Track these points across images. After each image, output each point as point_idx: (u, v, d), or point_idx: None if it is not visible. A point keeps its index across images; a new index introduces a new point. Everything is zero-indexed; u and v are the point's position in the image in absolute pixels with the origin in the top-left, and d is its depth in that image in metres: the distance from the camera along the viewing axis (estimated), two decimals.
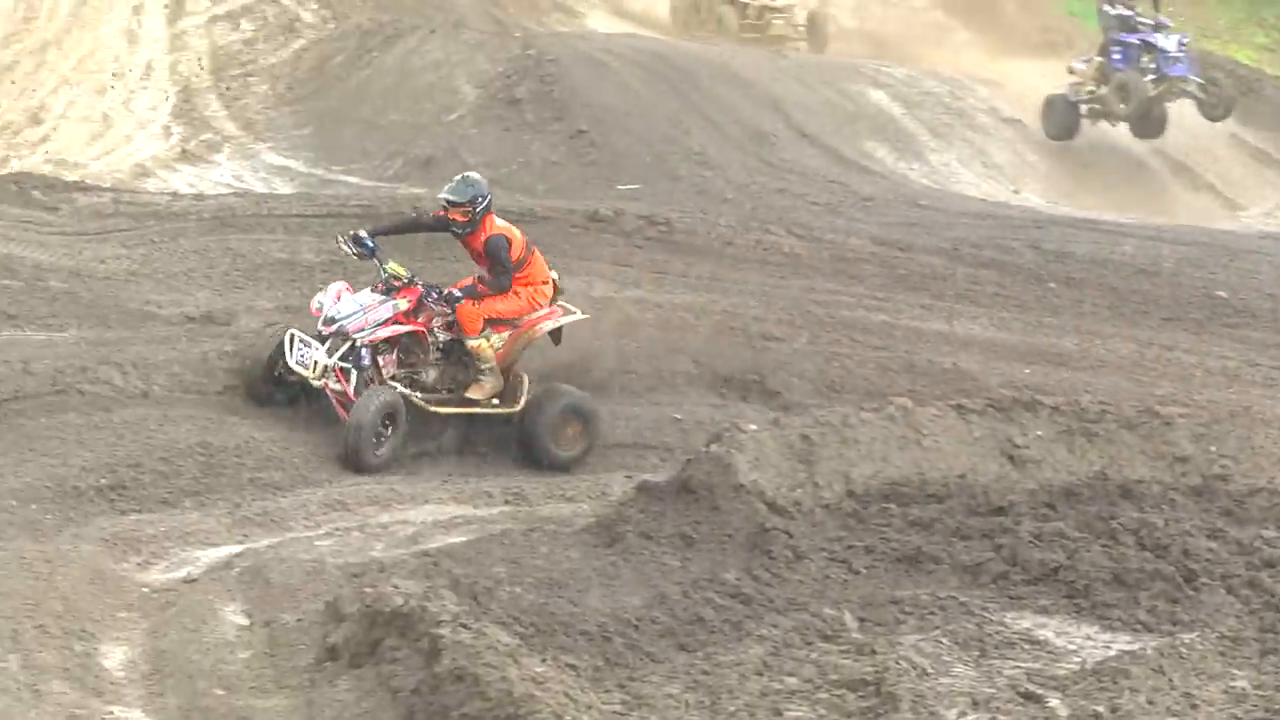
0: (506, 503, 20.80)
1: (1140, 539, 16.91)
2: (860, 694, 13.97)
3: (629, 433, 23.72)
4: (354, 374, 19.91)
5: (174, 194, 31.82)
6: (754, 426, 18.84)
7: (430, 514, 19.84)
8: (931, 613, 15.34)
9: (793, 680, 14.20)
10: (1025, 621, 15.42)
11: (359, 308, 19.96)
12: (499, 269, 20.65)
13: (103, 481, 19.93)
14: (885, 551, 16.57)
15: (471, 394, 20.84)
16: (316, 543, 18.71)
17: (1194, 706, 14.07)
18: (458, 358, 21.07)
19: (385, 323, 20.20)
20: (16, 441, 20.66)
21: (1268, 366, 27.28)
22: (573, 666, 14.33)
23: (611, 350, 24.36)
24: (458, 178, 21.17)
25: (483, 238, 20.61)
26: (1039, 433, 18.93)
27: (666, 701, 14.02)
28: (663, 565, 16.12)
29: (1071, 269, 29.72)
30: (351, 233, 21.13)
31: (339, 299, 20.14)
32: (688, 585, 15.72)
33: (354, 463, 20.40)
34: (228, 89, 39.01)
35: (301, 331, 20.49)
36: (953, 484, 18.28)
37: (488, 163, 32.63)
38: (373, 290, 20.25)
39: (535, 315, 21.16)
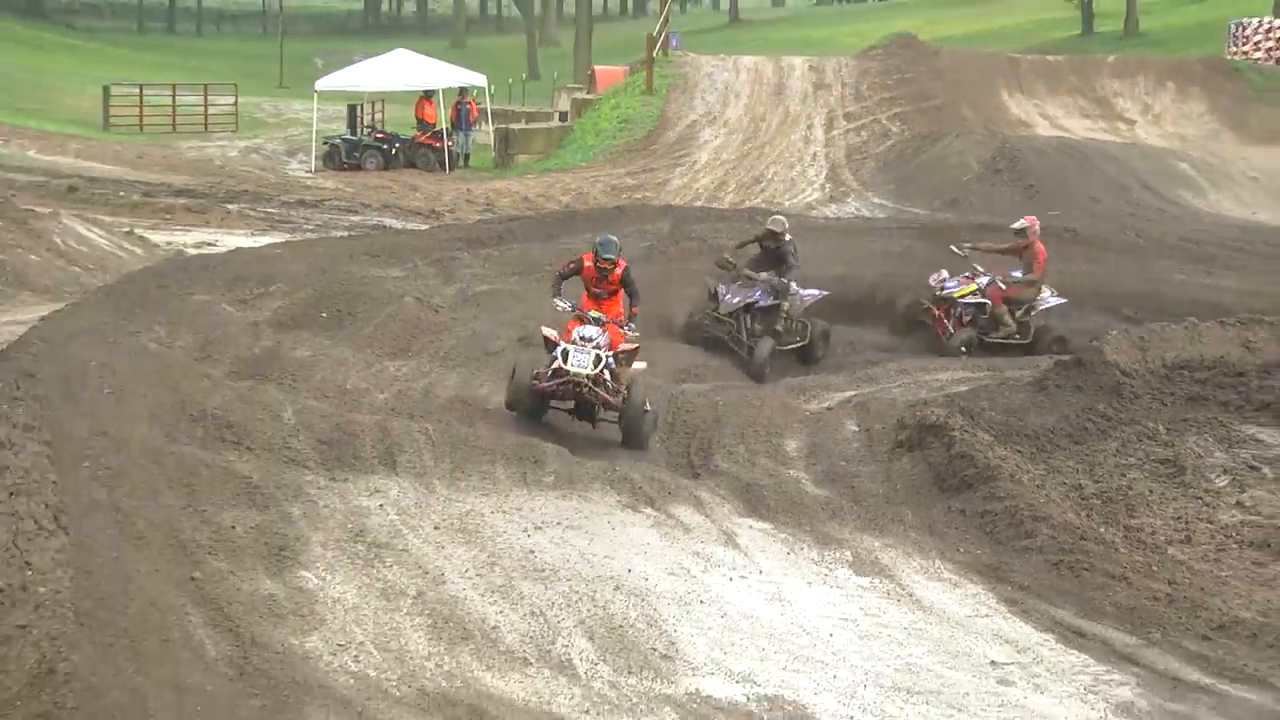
0: (988, 371, 29.74)
1: None
2: (1165, 465, 23.07)
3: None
4: (608, 373, 24.27)
5: (824, 216, 46.21)
6: (1114, 331, 27.74)
7: (948, 377, 29.01)
8: (1205, 425, 24.14)
9: (1130, 459, 23.21)
10: (1252, 429, 24.10)
11: (598, 333, 24.68)
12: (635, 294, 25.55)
13: None
14: (1180, 394, 25.28)
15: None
16: (893, 390, 27.93)
17: None
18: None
19: (613, 344, 24.86)
20: None
21: None
22: (1019, 451, 23.42)
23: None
24: (607, 238, 25.93)
25: (618, 272, 25.43)
26: (1264, 335, 27.32)
27: (1066, 466, 23.22)
28: (1065, 401, 24.98)
29: None
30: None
31: (593, 327, 24.72)
32: (1078, 411, 24.66)
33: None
34: (853, 165, 54.33)
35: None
36: (1217, 361, 26.47)
37: (980, 202, 48.49)
38: (594, 324, 24.86)
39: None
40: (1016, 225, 32.72)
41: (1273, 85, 65.14)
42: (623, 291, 25.65)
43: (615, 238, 26.07)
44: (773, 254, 31.97)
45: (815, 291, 32.48)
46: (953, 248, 33.11)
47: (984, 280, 32.54)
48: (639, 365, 24.70)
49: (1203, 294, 31.87)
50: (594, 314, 24.98)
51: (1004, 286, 33.06)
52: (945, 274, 32.95)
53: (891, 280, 33.95)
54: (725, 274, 32.42)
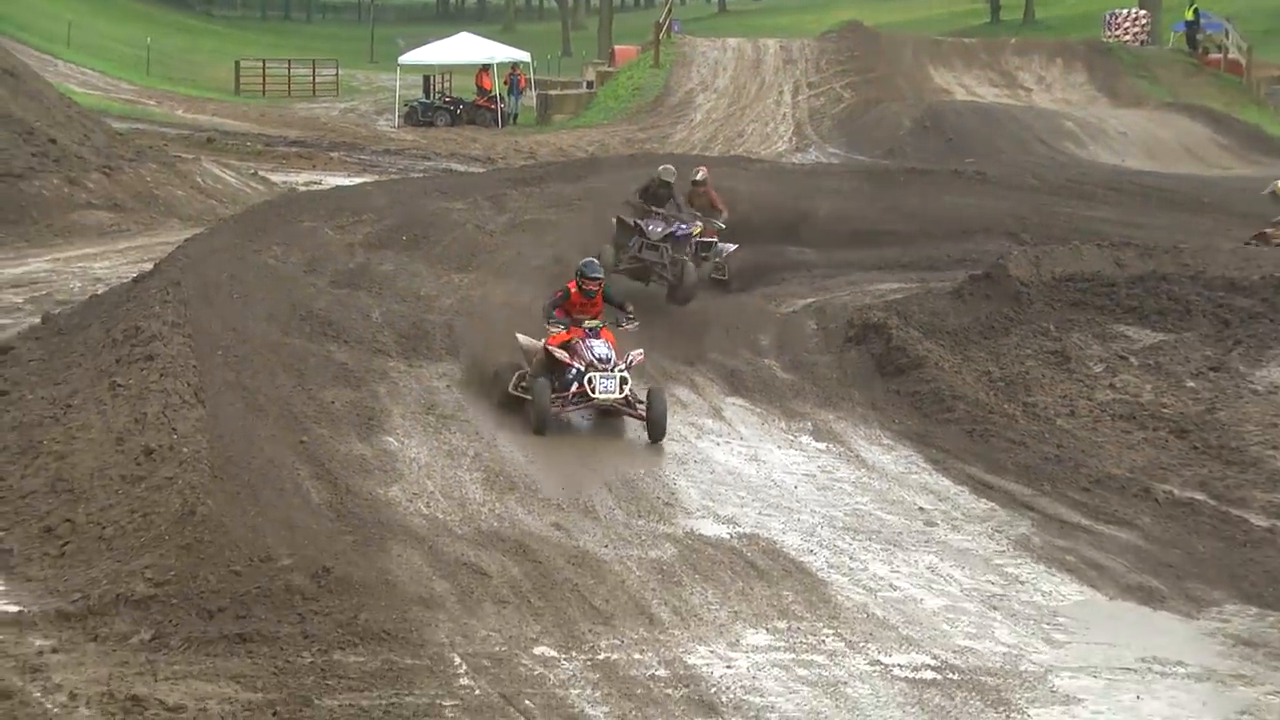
0: (919, 283, 28.67)
1: (1174, 297, 25.21)
2: (1054, 356, 22.80)
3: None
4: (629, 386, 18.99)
5: (792, 162, 45.67)
6: (1015, 252, 27.46)
7: (886, 287, 28.44)
8: (1085, 325, 24.05)
9: (1028, 351, 23.04)
10: (1121, 328, 24.00)
11: (611, 350, 19.19)
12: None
13: None
14: (1065, 301, 24.97)
15: None
16: (843, 297, 27.52)
17: (1189, 360, 22.68)
18: None
19: (622, 355, 19.37)
20: None
21: None
22: (942, 344, 23.17)
23: None
24: (590, 260, 20.47)
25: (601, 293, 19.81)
26: (1131, 254, 27.25)
27: (978, 356, 22.88)
28: (977, 306, 24.70)
29: None
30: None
31: (602, 345, 19.21)
32: (987, 314, 24.38)
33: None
34: (814, 123, 53.26)
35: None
36: (1095, 275, 26.21)
37: (912, 152, 47.12)
38: (597, 337, 19.34)
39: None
40: (695, 176, 27.99)
41: (1137, 62, 64.95)
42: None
43: (597, 259, 21.04)
44: (663, 201, 26.85)
45: (731, 246, 27.95)
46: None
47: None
48: (638, 353, 19.95)
49: (1084, 223, 31.66)
50: (590, 322, 19.70)
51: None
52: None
53: (842, 209, 33.56)
54: (648, 212, 26.29)
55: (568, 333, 19.61)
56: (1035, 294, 25.22)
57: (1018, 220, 33.20)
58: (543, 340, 19.71)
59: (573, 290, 19.93)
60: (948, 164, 41.45)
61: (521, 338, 20.21)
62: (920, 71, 61.52)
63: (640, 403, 19.31)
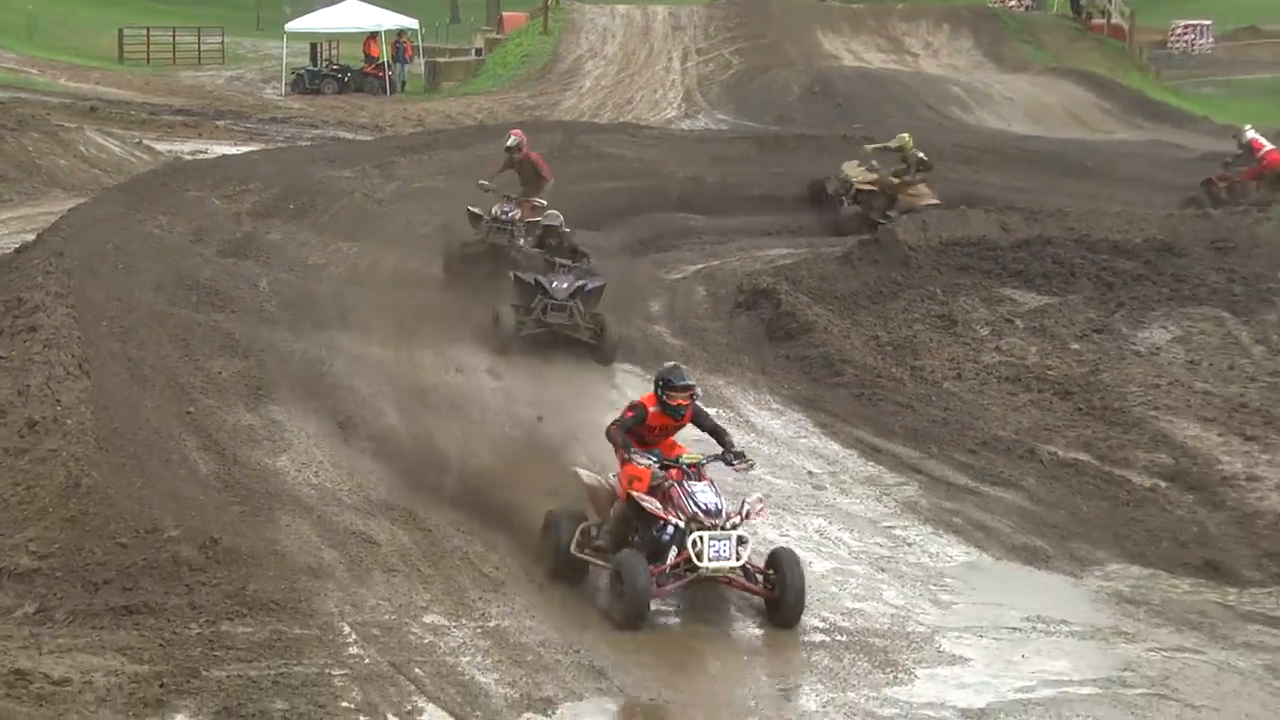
0: (808, 248, 28.92)
1: (1059, 260, 25.72)
2: (942, 320, 23.06)
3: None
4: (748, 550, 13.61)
5: (681, 129, 45.45)
6: (904, 218, 27.89)
7: (775, 252, 28.62)
8: (972, 289, 24.34)
9: (915, 315, 23.20)
10: (1007, 291, 24.37)
11: (718, 497, 13.70)
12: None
13: None
14: (952, 265, 25.32)
15: None
16: (733, 262, 27.58)
17: (1073, 323, 23.06)
18: None
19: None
20: None
21: None
22: (830, 309, 23.27)
23: None
24: (675, 365, 14.90)
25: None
26: (1016, 219, 27.73)
27: (866, 321, 23.14)
28: (865, 270, 25.03)
29: None
30: None
31: (708, 491, 13.81)
32: (875, 278, 24.62)
33: None
34: (703, 89, 53.16)
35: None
36: (981, 239, 26.63)
37: (801, 118, 47.00)
38: (699, 480, 13.87)
39: None
40: (508, 143, 25.29)
41: (1023, 27, 65.27)
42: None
43: (685, 366, 15.23)
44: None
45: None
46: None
47: None
48: (756, 500, 14.28)
49: (971, 188, 31.78)
50: (689, 457, 14.25)
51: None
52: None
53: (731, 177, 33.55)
54: (549, 264, 22.08)
55: (652, 472, 14.03)
56: (922, 258, 25.49)
57: None
58: (614, 477, 14.41)
59: (651, 409, 14.28)
60: (836, 130, 41.45)
61: (584, 474, 14.80)
62: (809, 37, 61.53)
63: (763, 572, 13.78)
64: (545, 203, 24.38)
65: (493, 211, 24.14)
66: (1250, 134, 34.07)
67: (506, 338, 21.29)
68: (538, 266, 22.35)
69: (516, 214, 24.19)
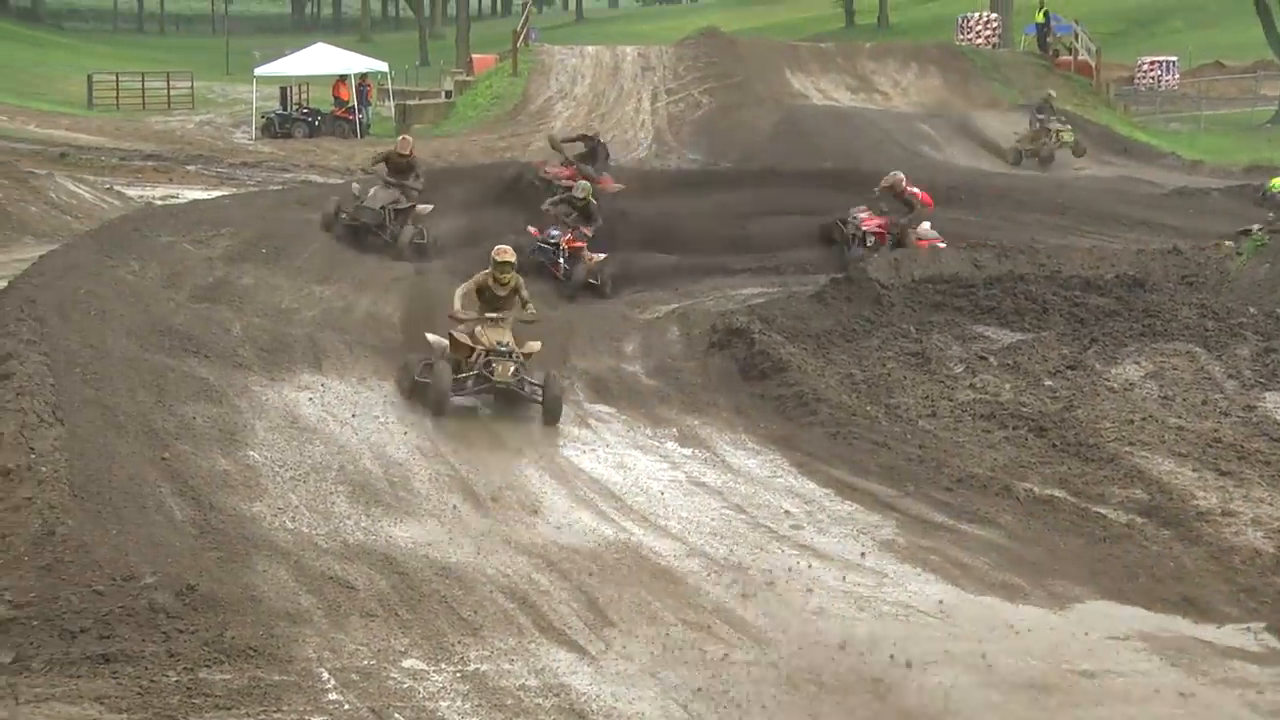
0: (780, 287, 29.30)
1: (1031, 297, 26.07)
2: (915, 357, 23.12)
3: None
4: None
5: (653, 168, 46.20)
6: (875, 256, 28.16)
7: (749, 291, 28.79)
8: (945, 326, 24.38)
9: (889, 353, 23.33)
10: (980, 328, 24.47)
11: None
12: None
13: None
14: (925, 302, 25.51)
15: None
16: (706, 302, 27.71)
17: (1047, 359, 23.10)
18: None
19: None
20: None
21: None
22: (804, 348, 23.35)
23: None
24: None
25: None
26: (988, 256, 28.18)
27: (840, 359, 23.17)
28: (838, 309, 25.15)
29: None
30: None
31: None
32: (849, 316, 24.74)
33: None
34: (673, 129, 53.89)
35: None
36: (953, 276, 27.09)
37: (771, 157, 46.23)
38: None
39: None
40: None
41: (990, 64, 65.53)
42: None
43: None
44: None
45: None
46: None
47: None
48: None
49: (943, 225, 31.94)
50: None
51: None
52: None
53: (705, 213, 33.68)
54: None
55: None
56: (895, 296, 25.61)
57: None
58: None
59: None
60: (805, 168, 41.60)
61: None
62: (777, 77, 61.78)
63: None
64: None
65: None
66: None
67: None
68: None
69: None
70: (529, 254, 27.03)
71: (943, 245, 29.91)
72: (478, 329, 20.52)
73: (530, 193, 30.92)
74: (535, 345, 20.80)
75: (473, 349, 20.45)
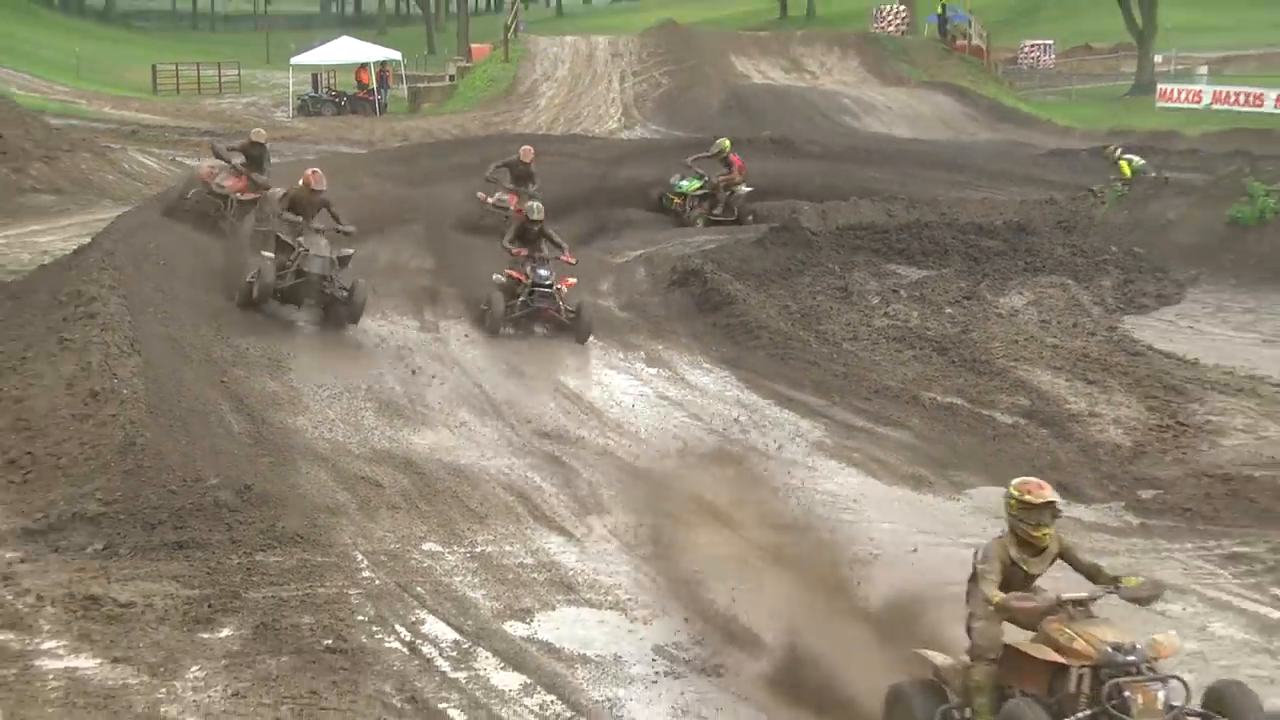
0: (728, 234, 28.33)
1: (934, 240, 25.86)
2: (840, 291, 23.05)
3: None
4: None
5: (620, 139, 44.89)
6: (806, 207, 27.82)
7: (702, 239, 27.94)
8: (864, 265, 24.32)
9: (818, 288, 23.11)
10: (893, 267, 24.47)
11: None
12: None
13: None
14: (848, 246, 25.35)
15: None
16: (668, 248, 27.12)
17: (947, 291, 23.19)
18: None
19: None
20: None
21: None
22: (748, 284, 23.11)
23: None
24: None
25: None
26: (899, 207, 28.00)
27: (778, 294, 22.93)
28: (776, 252, 24.95)
29: None
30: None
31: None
32: (785, 258, 24.55)
33: None
34: (639, 105, 52.98)
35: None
36: (870, 224, 26.79)
37: (720, 128, 41.70)
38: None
39: None
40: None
41: (900, 49, 65.20)
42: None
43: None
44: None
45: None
46: None
47: None
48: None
49: (862, 182, 31.78)
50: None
51: None
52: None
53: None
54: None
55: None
56: (823, 241, 25.52)
57: (807, 181, 33.10)
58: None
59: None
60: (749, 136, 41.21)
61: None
62: (724, 60, 61.37)
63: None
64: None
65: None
66: None
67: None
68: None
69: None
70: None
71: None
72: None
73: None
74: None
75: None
